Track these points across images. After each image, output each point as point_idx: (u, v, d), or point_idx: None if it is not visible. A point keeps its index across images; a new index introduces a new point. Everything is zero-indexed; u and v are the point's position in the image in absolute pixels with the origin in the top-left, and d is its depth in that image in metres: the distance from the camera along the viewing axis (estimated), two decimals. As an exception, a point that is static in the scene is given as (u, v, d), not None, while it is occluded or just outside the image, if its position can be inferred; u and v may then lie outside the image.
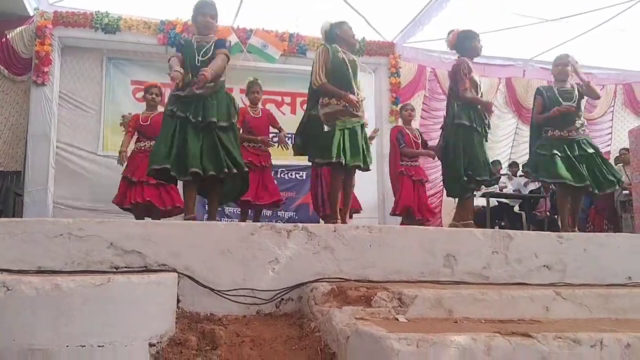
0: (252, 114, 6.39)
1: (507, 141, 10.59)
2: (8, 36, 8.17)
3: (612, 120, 11.11)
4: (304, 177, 8.95)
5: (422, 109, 9.79)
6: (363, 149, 4.63)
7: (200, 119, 4.17)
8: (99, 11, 8.47)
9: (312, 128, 4.63)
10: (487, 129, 5.12)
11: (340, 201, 4.88)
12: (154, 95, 6.34)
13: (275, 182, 7.00)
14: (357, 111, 4.59)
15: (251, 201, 6.00)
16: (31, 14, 8.27)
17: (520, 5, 8.36)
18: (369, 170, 4.88)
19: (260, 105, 6.65)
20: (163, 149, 4.20)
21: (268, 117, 6.56)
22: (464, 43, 5.16)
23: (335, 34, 4.78)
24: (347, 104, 4.50)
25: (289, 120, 9.33)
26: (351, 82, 4.62)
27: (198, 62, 4.29)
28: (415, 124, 7.81)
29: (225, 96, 4.39)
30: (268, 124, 6.53)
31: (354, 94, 4.58)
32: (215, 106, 4.24)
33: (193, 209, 4.29)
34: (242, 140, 5.72)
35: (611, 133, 11.04)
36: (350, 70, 4.63)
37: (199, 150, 4.17)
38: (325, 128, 4.48)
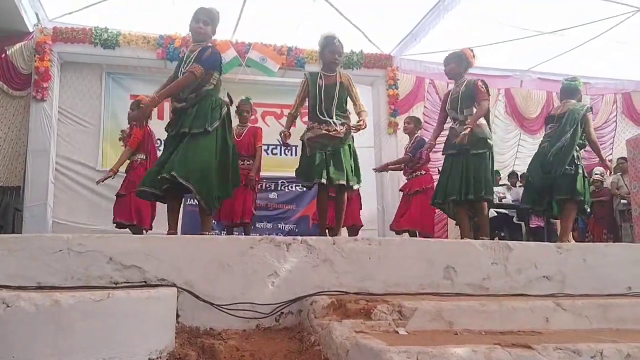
0: (235, 136, 6.22)
1: (511, 152, 10.62)
2: (8, 52, 8.23)
3: (614, 130, 11.15)
4: (304, 190, 8.95)
5: (424, 121, 9.81)
6: (348, 169, 4.63)
7: (174, 132, 4.11)
8: (98, 27, 8.54)
9: (302, 153, 4.77)
10: None
11: (332, 219, 5.04)
12: (131, 111, 6.34)
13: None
14: (338, 134, 4.62)
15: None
16: (31, 30, 8.34)
17: (518, 17, 8.40)
18: (353, 190, 4.91)
19: (249, 124, 6.53)
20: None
21: (253, 136, 6.42)
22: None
23: (320, 53, 4.86)
24: (328, 129, 4.58)
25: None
26: (324, 109, 4.64)
27: (180, 74, 4.17)
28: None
29: (209, 103, 4.14)
30: (252, 142, 6.40)
31: (332, 121, 4.60)
32: (192, 115, 4.07)
33: (174, 226, 4.21)
34: None
35: (613, 142, 11.07)
36: (325, 97, 4.65)
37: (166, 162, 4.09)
38: (308, 152, 4.61)
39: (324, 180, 4.50)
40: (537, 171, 5.33)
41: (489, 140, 5.00)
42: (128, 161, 6.36)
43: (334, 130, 4.59)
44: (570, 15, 8.37)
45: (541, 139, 5.72)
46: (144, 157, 6.31)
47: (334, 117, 4.61)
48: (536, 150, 5.61)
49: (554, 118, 5.42)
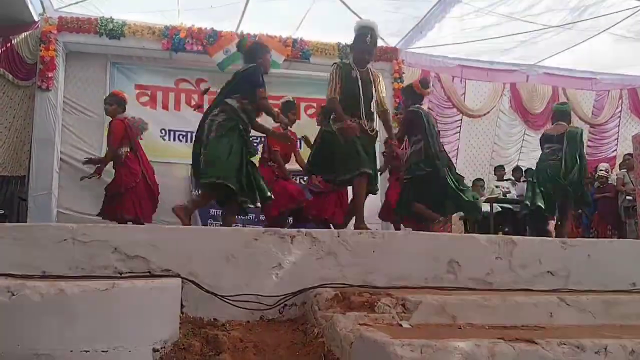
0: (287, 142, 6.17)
1: (515, 147, 10.58)
2: (13, 41, 8.23)
3: (618, 125, 11.10)
4: (308, 182, 8.93)
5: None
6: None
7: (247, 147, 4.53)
8: (103, 17, 8.51)
9: (329, 144, 4.48)
10: None
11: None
12: (107, 105, 6.46)
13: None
14: (371, 131, 4.52)
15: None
16: (36, 19, 8.32)
17: (524, 11, 8.35)
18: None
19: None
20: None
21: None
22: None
23: (352, 44, 4.72)
24: (359, 122, 4.41)
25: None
26: (359, 103, 4.45)
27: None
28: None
29: None
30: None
31: (363, 116, 4.45)
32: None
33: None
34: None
35: (617, 138, 11.03)
36: (359, 92, 4.46)
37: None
38: (343, 140, 4.34)
39: (369, 170, 4.30)
40: (556, 182, 6.06)
41: (421, 164, 5.22)
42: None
43: (365, 126, 4.47)
44: (577, 9, 8.31)
45: None
46: (129, 149, 6.39)
47: (368, 114, 4.50)
48: (540, 161, 6.36)
49: (554, 138, 6.20)
